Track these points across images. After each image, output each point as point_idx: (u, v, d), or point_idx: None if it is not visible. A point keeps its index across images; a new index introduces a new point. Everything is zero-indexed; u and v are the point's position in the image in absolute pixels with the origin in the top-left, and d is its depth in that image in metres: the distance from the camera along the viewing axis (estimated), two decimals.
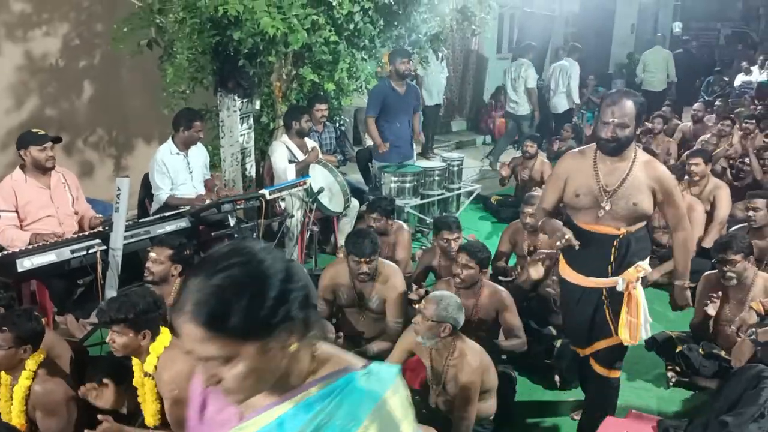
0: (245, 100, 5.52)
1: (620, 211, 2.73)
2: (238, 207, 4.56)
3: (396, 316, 3.63)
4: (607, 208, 2.73)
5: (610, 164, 2.75)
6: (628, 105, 2.66)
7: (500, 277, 4.54)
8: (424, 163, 6.48)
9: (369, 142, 7.07)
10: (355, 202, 5.45)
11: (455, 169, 6.57)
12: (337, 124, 6.28)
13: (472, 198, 6.87)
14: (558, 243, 2.70)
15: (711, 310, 3.66)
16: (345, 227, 5.35)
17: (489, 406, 3.12)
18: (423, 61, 6.62)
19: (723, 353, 3.60)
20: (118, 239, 3.76)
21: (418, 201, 6.03)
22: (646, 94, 10.39)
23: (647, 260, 2.88)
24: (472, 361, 2.93)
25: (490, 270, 4.04)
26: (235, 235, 4.60)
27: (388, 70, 6.19)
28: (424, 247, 5.57)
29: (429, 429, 2.56)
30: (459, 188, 6.65)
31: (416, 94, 6.28)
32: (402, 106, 5.97)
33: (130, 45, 5.28)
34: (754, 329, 2.90)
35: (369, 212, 4.56)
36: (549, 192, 2.99)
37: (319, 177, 5.00)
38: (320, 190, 4.90)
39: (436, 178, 6.25)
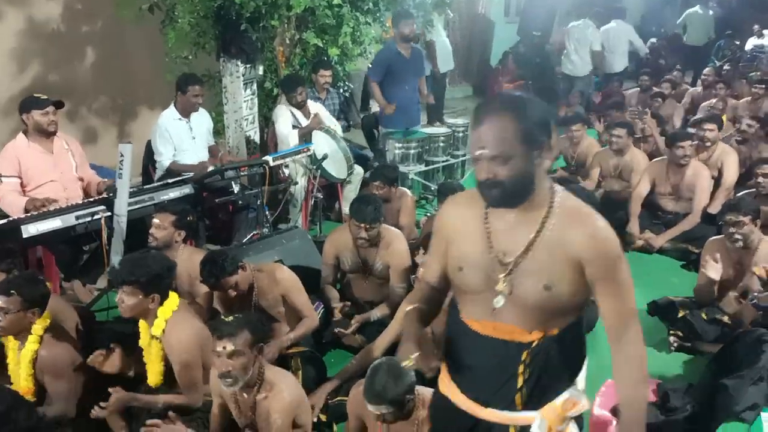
0: (248, 65, 5.49)
1: (528, 300, 1.68)
2: (241, 174, 4.56)
3: (399, 281, 3.65)
4: (506, 292, 1.69)
5: (510, 218, 1.68)
6: (504, 124, 1.58)
7: None
8: (429, 129, 6.43)
9: (375, 108, 7.02)
10: (359, 169, 5.43)
11: (460, 135, 6.52)
12: (341, 90, 6.22)
13: None
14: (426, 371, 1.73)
15: (713, 273, 3.61)
16: (349, 194, 5.34)
17: None
18: (428, 24, 6.52)
19: (726, 318, 3.61)
20: (122, 205, 3.77)
21: (422, 168, 6.01)
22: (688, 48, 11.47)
23: (582, 381, 1.85)
24: None
25: None
26: (240, 202, 4.62)
27: (393, 34, 6.10)
28: (428, 214, 5.56)
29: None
30: (464, 155, 6.62)
31: (422, 57, 6.20)
32: (408, 70, 5.90)
33: (133, 10, 5.23)
34: (755, 294, 2.90)
35: (372, 179, 4.55)
36: (431, 258, 1.91)
37: (323, 143, 4.98)
38: (324, 157, 4.89)
39: (441, 144, 6.21)
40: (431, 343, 1.76)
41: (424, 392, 2.41)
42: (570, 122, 6.56)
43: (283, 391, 2.47)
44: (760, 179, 4.58)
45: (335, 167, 5.05)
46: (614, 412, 2.65)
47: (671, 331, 3.76)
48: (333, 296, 3.77)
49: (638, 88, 8.72)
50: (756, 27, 13.01)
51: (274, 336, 3.31)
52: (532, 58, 10.53)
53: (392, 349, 3.21)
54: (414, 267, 3.69)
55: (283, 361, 3.20)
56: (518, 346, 1.72)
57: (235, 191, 4.61)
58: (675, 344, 3.74)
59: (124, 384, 2.81)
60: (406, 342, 1.75)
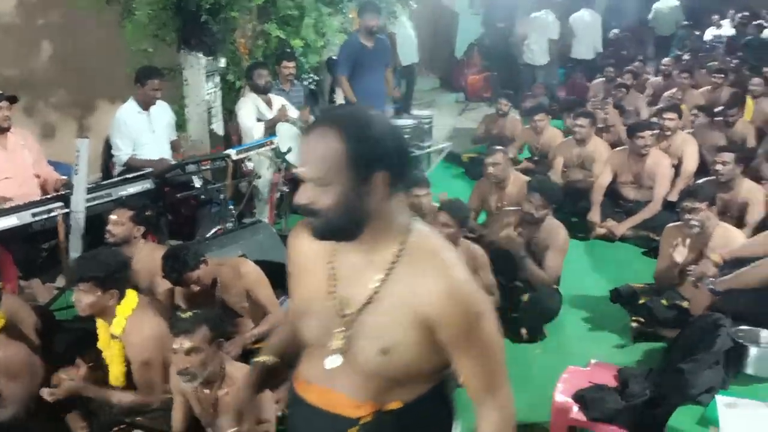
0: (210, 57, 5.41)
1: (362, 365, 1.37)
2: (203, 168, 4.50)
3: None
4: (342, 351, 1.38)
5: (357, 258, 1.38)
6: (328, 143, 1.27)
7: (468, 234, 4.57)
8: (395, 121, 6.43)
9: (340, 101, 6.98)
10: None
11: (426, 126, 6.54)
12: (306, 82, 6.18)
13: (443, 155, 6.85)
14: None
15: (678, 256, 3.68)
16: None
17: None
18: (391, 15, 6.51)
19: (685, 304, 3.68)
20: (79, 202, 3.70)
21: None
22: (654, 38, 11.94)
23: None
24: None
25: None
26: (202, 197, 4.56)
27: (357, 25, 6.07)
28: None
29: None
30: (430, 146, 6.63)
31: (387, 48, 6.18)
32: (373, 62, 5.87)
33: (88, 2, 5.11)
34: (711, 279, 2.96)
35: None
36: (290, 294, 1.57)
37: (288, 136, 4.93)
38: (289, 150, 4.84)
39: (407, 136, 6.20)
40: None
41: None
42: (533, 113, 6.63)
43: None
44: (719, 167, 4.67)
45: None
46: (576, 398, 2.69)
47: (632, 318, 3.82)
48: None
49: (603, 79, 8.84)
50: (715, 17, 13.28)
51: (238, 331, 3.28)
52: (497, 50, 10.60)
53: None
54: None
55: (247, 357, 3.17)
56: (344, 423, 1.37)
57: (198, 186, 4.54)
58: (636, 330, 3.80)
59: None
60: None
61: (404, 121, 6.43)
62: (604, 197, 5.38)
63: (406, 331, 1.32)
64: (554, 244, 3.98)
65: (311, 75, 6.30)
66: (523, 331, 3.83)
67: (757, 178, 4.84)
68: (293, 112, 5.26)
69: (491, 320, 1.36)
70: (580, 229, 5.29)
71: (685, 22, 12.33)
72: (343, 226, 1.31)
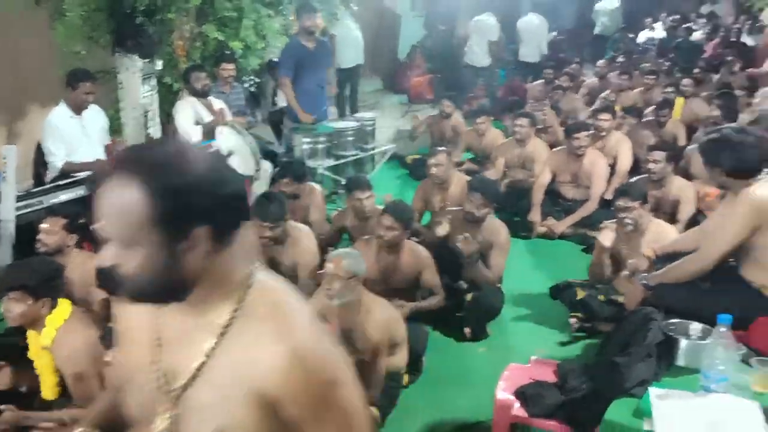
0: (146, 60, 5.28)
1: None
2: None
3: (309, 277, 3.62)
4: (165, 429, 1.14)
5: (185, 321, 1.14)
6: (123, 197, 1.03)
7: (412, 237, 4.60)
8: (337, 124, 6.41)
9: (282, 103, 6.93)
10: (267, 165, 5.34)
11: (369, 129, 6.54)
12: (247, 85, 6.10)
13: (386, 157, 6.87)
14: None
15: (606, 240, 3.80)
16: (258, 190, 5.22)
17: (399, 359, 3.17)
18: (332, 17, 6.50)
19: (621, 299, 3.78)
20: (8, 210, 3.56)
21: (332, 162, 5.98)
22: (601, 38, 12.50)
23: None
24: (379, 315, 2.98)
25: None
26: None
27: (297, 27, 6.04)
28: (339, 209, 5.56)
29: None
30: (374, 148, 6.64)
31: (328, 50, 6.17)
32: (313, 63, 5.86)
33: (15, 3, 4.91)
34: (644, 274, 3.06)
35: (280, 176, 4.50)
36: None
37: (228, 139, 4.86)
38: (229, 153, 4.77)
39: (350, 138, 6.20)
40: None
41: None
42: (475, 115, 6.73)
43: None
44: (651, 165, 4.83)
45: (241, 163, 4.93)
46: (517, 395, 2.74)
47: (571, 314, 3.91)
48: None
49: (542, 80, 9.05)
50: (648, 20, 13.76)
51: None
52: (439, 52, 10.70)
53: None
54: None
55: None
56: None
57: None
58: (576, 325, 3.90)
59: (18, 399, 2.65)
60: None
61: (347, 123, 6.42)
62: (544, 196, 5.50)
63: (242, 410, 1.06)
64: (496, 244, 4.05)
65: (252, 77, 6.23)
66: (467, 330, 3.87)
67: (688, 176, 5.02)
68: (229, 116, 5.19)
69: (348, 388, 1.11)
70: (522, 228, 5.40)
71: (622, 25, 12.78)
72: (156, 292, 1.07)
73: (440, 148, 4.94)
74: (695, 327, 2.67)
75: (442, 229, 4.04)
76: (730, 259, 2.91)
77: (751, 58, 9.56)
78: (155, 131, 5.57)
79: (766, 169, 2.79)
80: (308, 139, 5.81)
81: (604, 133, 5.80)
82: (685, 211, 4.72)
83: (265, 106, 8.02)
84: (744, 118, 5.79)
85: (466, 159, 6.76)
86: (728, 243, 2.80)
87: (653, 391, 2.33)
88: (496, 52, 9.76)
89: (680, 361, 2.53)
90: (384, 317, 2.99)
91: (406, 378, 3.31)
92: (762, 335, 2.63)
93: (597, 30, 12.79)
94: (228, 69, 5.54)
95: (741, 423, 2.15)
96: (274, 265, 3.68)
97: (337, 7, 6.51)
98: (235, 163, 4.80)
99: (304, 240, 3.66)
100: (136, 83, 5.23)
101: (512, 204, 5.67)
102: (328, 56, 6.16)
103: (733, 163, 2.75)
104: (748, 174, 2.76)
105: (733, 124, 3.16)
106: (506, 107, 7.59)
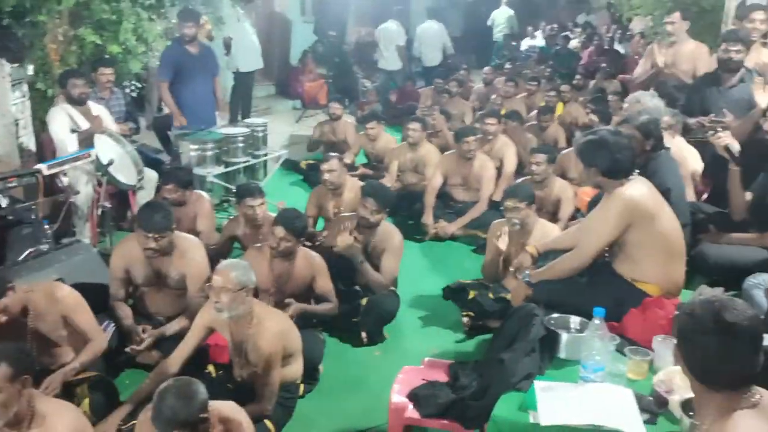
0: (15, 65, 4.93)
1: None
2: (9, 185, 4.08)
3: (198, 290, 3.49)
4: None
5: None
6: None
7: (306, 242, 4.56)
8: (226, 130, 6.25)
9: (167, 109, 6.68)
10: (152, 174, 5.12)
11: (260, 134, 6.42)
12: (128, 90, 5.83)
13: (279, 163, 6.78)
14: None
15: (501, 244, 3.96)
16: (143, 201, 5.01)
17: (294, 370, 3.13)
18: (218, 21, 6.34)
19: (509, 296, 3.92)
20: None
21: (221, 169, 5.82)
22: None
23: None
24: (272, 326, 2.92)
25: None
26: (9, 217, 4.13)
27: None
28: (231, 217, 5.42)
29: (230, 403, 2.50)
30: (266, 154, 6.53)
31: (213, 56, 6.01)
32: (197, 69, 5.69)
33: None
34: (527, 272, 3.19)
35: (164, 183, 4.33)
36: None
37: (108, 148, 4.61)
38: (110, 162, 4.54)
39: (240, 144, 6.05)
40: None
41: (219, 407, 2.33)
42: (366, 120, 6.78)
43: (57, 425, 2.24)
44: (533, 167, 5.05)
45: (124, 173, 4.70)
46: (410, 397, 2.76)
47: (463, 312, 4.01)
48: (125, 314, 3.51)
49: (432, 86, 9.27)
50: (530, 29, 14.43)
51: (55, 362, 3.02)
52: (331, 57, 10.72)
53: (191, 364, 3.07)
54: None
55: (68, 390, 2.93)
56: None
57: (3, 206, 4.10)
58: (468, 324, 4.00)
59: None
60: None
61: (237, 130, 6.27)
62: (436, 199, 5.62)
63: None
64: (390, 248, 4.09)
65: (133, 82, 5.96)
66: (363, 334, 3.88)
67: (564, 177, 5.31)
68: (111, 123, 4.94)
69: None
70: (415, 231, 5.49)
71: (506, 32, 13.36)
72: None
73: (332, 154, 4.94)
74: (575, 320, 2.81)
75: (342, 242, 3.99)
76: (605, 255, 3.09)
77: (623, 65, 10.25)
78: (28, 140, 5.21)
79: (636, 170, 2.98)
80: (196, 146, 5.62)
81: (491, 137, 6.02)
82: (566, 210, 4.98)
83: (150, 112, 7.71)
84: (616, 121, 6.18)
85: (360, 164, 6.80)
86: (603, 240, 2.96)
87: (537, 384, 2.43)
88: (405, 57, 10.37)
89: (562, 354, 2.65)
90: (277, 328, 2.94)
91: (301, 388, 3.27)
92: (634, 325, 2.81)
93: (495, 37, 13.51)
94: (106, 74, 5.27)
95: (617, 409, 2.27)
96: (160, 277, 3.53)
97: (222, 11, 6.34)
98: (116, 172, 4.60)
99: (191, 251, 3.53)
100: (5, 89, 4.87)
101: (406, 207, 5.76)
102: (214, 62, 6.00)
103: (608, 164, 2.91)
104: (621, 174, 2.93)
105: (608, 127, 3.35)
106: (406, 112, 7.74)
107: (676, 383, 2.33)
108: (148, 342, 3.34)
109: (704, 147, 4.47)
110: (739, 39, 4.62)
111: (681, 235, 3.05)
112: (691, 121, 4.74)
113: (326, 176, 4.72)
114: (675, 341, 1.72)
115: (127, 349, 3.31)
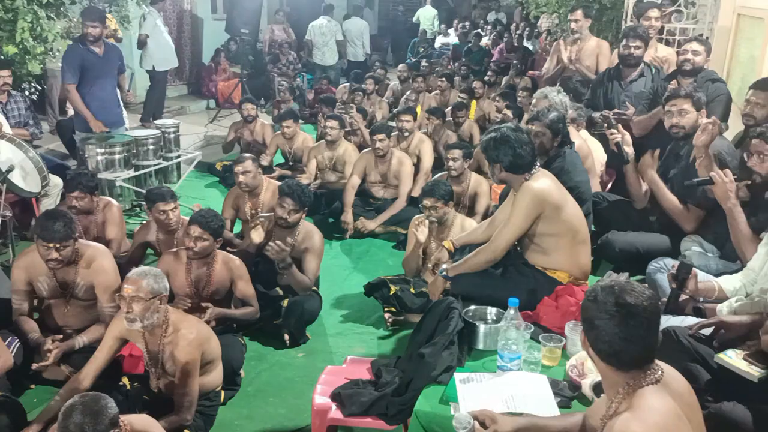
0: None
1: None
2: None
3: (108, 301, 3.34)
4: None
5: None
6: None
7: (227, 248, 4.46)
8: (135, 132, 6.02)
9: (71, 112, 6.37)
10: (57, 180, 4.87)
11: (171, 136, 6.23)
12: (27, 93, 5.52)
13: (194, 165, 6.60)
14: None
15: (421, 235, 4.04)
16: (49, 209, 4.77)
17: (214, 377, 3.05)
18: (124, 20, 6.10)
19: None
20: None
21: (131, 173, 5.60)
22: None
23: None
24: (188, 333, 2.83)
25: None
26: None
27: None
28: (143, 222, 5.23)
29: (143, 416, 2.41)
30: (178, 156, 6.34)
31: (119, 54, 5.76)
32: (102, 69, 5.44)
33: None
34: (444, 266, 3.24)
35: (69, 190, 4.12)
36: None
37: (7, 154, 4.35)
38: (10, 169, 4.28)
39: (151, 147, 5.83)
40: None
41: (132, 421, 2.24)
42: (282, 119, 6.70)
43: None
44: (450, 163, 5.14)
45: (25, 180, 4.45)
46: (333, 397, 2.76)
47: (385, 308, 4.03)
48: (30, 328, 3.32)
49: (348, 84, 9.26)
50: (443, 26, 14.68)
51: None
52: (244, 56, 10.54)
53: (104, 377, 2.94)
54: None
55: None
56: None
57: None
58: (390, 320, 4.03)
59: None
60: None
61: (147, 132, 6.06)
62: (355, 197, 5.62)
63: None
64: (310, 248, 4.06)
65: (33, 84, 5.64)
66: (286, 336, 3.83)
67: (480, 172, 5.43)
68: (8, 128, 4.66)
69: None
70: (336, 230, 5.48)
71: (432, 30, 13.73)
72: None
73: (246, 155, 4.84)
74: (492, 311, 2.88)
75: (256, 235, 3.95)
76: (517, 246, 3.18)
77: (532, 62, 10.59)
78: None
79: (537, 163, 3.07)
80: (103, 150, 5.37)
81: (407, 134, 6.08)
82: (482, 204, 5.09)
83: (52, 115, 7.34)
84: (526, 117, 6.38)
85: (276, 165, 6.71)
86: (515, 232, 3.04)
87: (457, 376, 2.48)
88: (343, 51, 10.94)
89: (480, 345, 2.71)
90: (193, 335, 2.85)
91: (223, 394, 3.20)
92: (547, 313, 2.90)
93: (427, 35, 14.09)
94: (3, 76, 4.98)
95: (533, 395, 2.35)
96: (67, 289, 3.36)
97: (128, 10, 6.10)
98: (17, 180, 4.35)
99: (98, 259, 3.37)
100: None
101: (326, 206, 5.73)
102: (120, 60, 5.76)
103: (511, 159, 2.99)
104: (524, 169, 3.02)
105: (509, 123, 3.43)
106: (324, 102, 7.75)
107: (588, 367, 2.43)
108: (56, 355, 3.16)
109: (608, 140, 4.68)
110: (638, 35, 4.87)
111: (585, 222, 3.18)
112: (596, 114, 4.95)
113: (240, 178, 4.64)
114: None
115: (34, 367, 3.13)
